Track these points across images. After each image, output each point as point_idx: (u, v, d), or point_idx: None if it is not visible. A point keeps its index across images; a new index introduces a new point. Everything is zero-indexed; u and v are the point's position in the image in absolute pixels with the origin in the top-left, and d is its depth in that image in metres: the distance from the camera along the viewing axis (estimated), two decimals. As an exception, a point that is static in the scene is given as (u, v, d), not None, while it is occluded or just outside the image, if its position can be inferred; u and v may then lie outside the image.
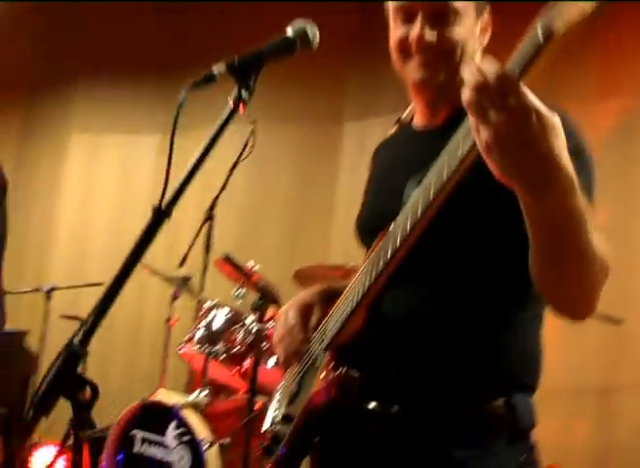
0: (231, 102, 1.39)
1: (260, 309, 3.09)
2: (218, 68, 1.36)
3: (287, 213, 5.21)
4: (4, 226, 3.03)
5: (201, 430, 3.13)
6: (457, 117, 1.31)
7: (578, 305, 1.24)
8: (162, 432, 3.24)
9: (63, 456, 4.28)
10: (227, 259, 3.17)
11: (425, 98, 1.58)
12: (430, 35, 1.47)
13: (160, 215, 1.36)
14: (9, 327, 5.07)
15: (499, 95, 0.94)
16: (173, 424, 3.21)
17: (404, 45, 1.51)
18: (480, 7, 1.54)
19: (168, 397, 3.38)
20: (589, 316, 1.24)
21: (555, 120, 0.99)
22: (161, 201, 1.34)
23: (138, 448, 3.31)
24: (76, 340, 1.32)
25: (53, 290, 4.85)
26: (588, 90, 4.17)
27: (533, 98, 0.97)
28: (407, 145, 1.64)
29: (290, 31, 1.41)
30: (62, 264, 6.00)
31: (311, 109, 5.19)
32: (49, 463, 4.10)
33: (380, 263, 1.33)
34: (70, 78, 6.16)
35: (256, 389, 3.16)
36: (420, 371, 1.39)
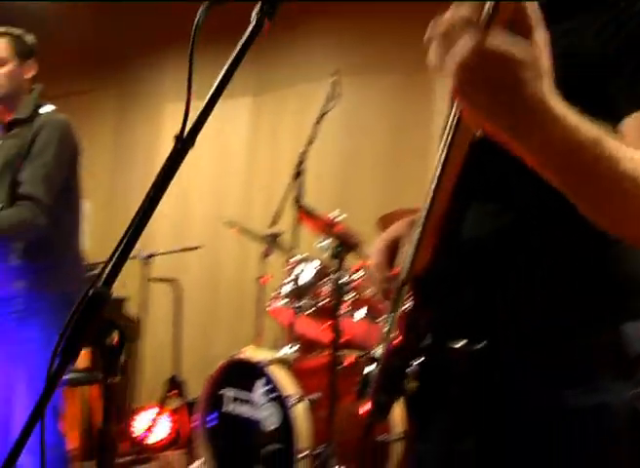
0: (254, 18, 1.27)
1: (338, 257, 2.97)
2: None
3: (381, 163, 5.06)
4: (78, 192, 3.01)
5: (289, 386, 3.06)
6: None
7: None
8: (250, 389, 3.19)
9: (164, 418, 4.34)
10: (301, 208, 3.07)
11: None
12: None
13: (182, 144, 1.25)
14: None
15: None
16: (260, 381, 3.16)
17: None
18: None
19: (256, 354, 3.32)
20: None
21: (527, 55, 0.84)
22: (182, 130, 1.23)
23: (227, 406, 3.28)
24: (100, 282, 1.21)
25: (151, 256, 4.88)
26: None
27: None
28: None
29: None
30: (165, 230, 6.07)
31: (402, 59, 5.01)
32: (149, 426, 4.16)
33: (434, 184, 1.18)
34: (162, 48, 6.18)
35: (344, 344, 3.07)
36: (512, 302, 1.20)
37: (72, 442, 4.29)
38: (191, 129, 1.27)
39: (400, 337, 1.26)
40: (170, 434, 4.32)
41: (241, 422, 3.22)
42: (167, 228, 5.98)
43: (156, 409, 4.34)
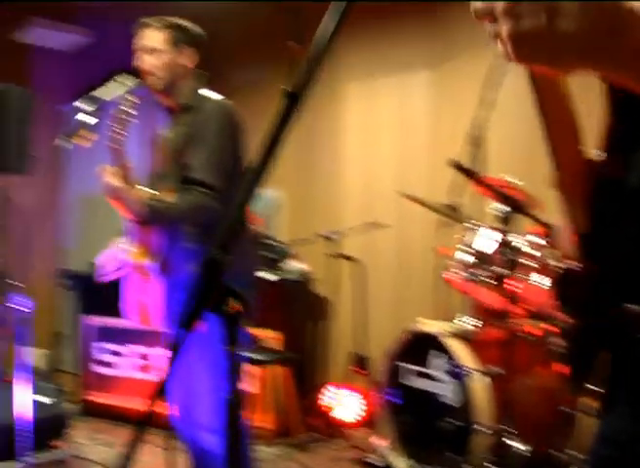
0: None
1: (505, 221, 2.82)
2: None
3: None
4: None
5: (467, 360, 2.94)
6: None
7: None
8: (429, 362, 3.11)
9: (352, 395, 4.35)
10: (473, 174, 2.93)
11: None
12: None
13: (293, 98, 1.25)
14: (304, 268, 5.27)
15: None
16: (439, 354, 3.06)
17: None
18: None
19: (433, 326, 3.22)
20: None
21: None
22: (297, 87, 1.23)
23: (406, 380, 3.21)
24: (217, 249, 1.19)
25: (335, 234, 4.90)
26: None
27: None
28: None
29: None
30: (353, 206, 6.10)
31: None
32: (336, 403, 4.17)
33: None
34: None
35: (525, 314, 2.92)
36: None
37: (267, 422, 4.42)
38: (300, 84, 1.23)
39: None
40: (359, 411, 4.31)
41: (421, 396, 3.14)
42: (355, 207, 6.00)
43: (344, 387, 4.35)
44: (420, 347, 3.19)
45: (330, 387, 4.55)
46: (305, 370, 4.80)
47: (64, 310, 6.14)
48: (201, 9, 5.20)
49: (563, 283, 1.17)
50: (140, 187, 2.74)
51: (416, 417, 3.20)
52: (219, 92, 3.03)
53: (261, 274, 4.64)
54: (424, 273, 5.12)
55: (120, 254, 2.88)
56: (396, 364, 3.28)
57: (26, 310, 2.85)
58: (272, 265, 5.18)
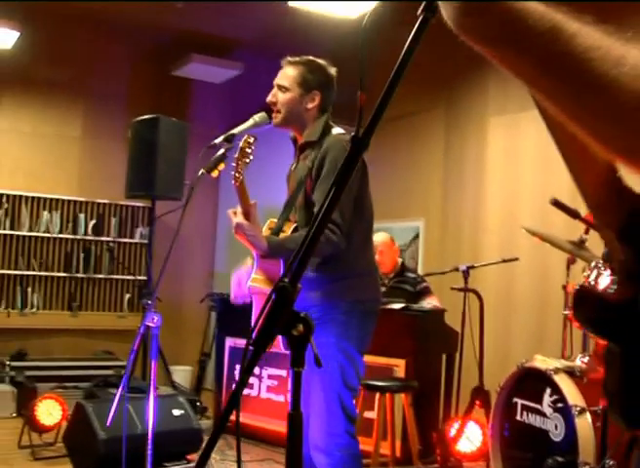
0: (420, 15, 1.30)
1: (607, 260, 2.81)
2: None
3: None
4: (368, 207, 3.15)
5: (574, 396, 2.96)
6: None
7: None
8: (540, 398, 3.14)
9: (473, 428, 4.39)
10: (556, 204, 2.95)
11: None
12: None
13: (358, 144, 1.32)
14: (438, 304, 5.37)
15: None
16: (548, 390, 3.09)
17: None
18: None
19: (545, 362, 3.25)
20: None
21: None
22: (357, 131, 1.31)
23: (518, 415, 3.26)
24: (286, 279, 1.35)
25: (470, 268, 4.97)
26: None
27: None
28: None
29: None
30: (494, 240, 6.17)
31: None
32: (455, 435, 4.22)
33: None
34: (483, 65, 6.30)
35: None
36: None
37: (386, 448, 4.53)
38: (365, 130, 1.33)
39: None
40: (478, 445, 4.35)
41: (531, 432, 3.18)
42: (497, 240, 6.08)
43: (466, 420, 4.41)
44: (532, 382, 3.23)
45: (453, 419, 4.61)
46: (431, 400, 4.89)
47: (211, 331, 6.51)
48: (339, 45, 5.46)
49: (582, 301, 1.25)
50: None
51: (525, 452, 3.24)
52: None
53: (390, 304, 4.81)
54: (546, 310, 5.13)
55: (245, 279, 3.11)
56: (509, 398, 3.33)
57: (156, 326, 3.11)
58: (406, 296, 5.31)
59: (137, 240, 7.83)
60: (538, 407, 3.16)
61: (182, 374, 7.37)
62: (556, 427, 3.04)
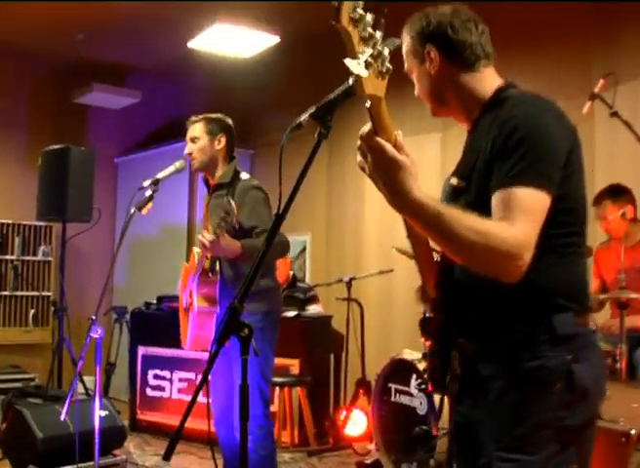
0: (316, 137, 2.09)
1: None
2: (304, 118, 1.97)
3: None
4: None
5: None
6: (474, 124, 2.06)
7: (485, 272, 1.78)
8: (408, 383, 4.14)
9: (358, 414, 5.37)
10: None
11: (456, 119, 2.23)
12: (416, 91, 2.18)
13: (279, 219, 2.06)
14: (322, 311, 6.34)
15: (366, 146, 1.74)
16: (414, 376, 4.08)
17: None
18: (418, 55, 2.10)
19: (411, 354, 4.25)
20: (508, 279, 1.75)
21: (403, 161, 1.70)
22: (278, 210, 2.06)
23: (393, 397, 4.25)
24: (237, 300, 2.15)
25: (352, 279, 5.95)
26: None
27: (388, 151, 1.69)
28: None
29: (350, 81, 1.87)
30: (373, 253, 7.10)
31: (561, 88, 5.71)
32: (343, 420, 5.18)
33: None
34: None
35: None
36: (489, 311, 1.94)
37: (287, 434, 5.48)
38: (284, 207, 2.14)
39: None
40: (363, 427, 5.34)
41: (403, 409, 4.18)
42: (376, 254, 7.02)
43: (352, 407, 5.40)
44: (403, 371, 4.22)
45: (342, 407, 5.61)
46: (323, 392, 5.90)
47: (115, 342, 7.18)
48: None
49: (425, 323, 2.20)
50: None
51: (399, 426, 4.23)
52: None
53: (285, 312, 5.75)
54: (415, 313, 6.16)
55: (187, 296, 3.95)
56: (385, 385, 4.32)
57: (99, 337, 3.88)
58: (298, 303, 6.28)
59: (40, 258, 8.40)
60: (407, 389, 4.15)
61: (88, 384, 8.00)
62: (421, 404, 4.04)
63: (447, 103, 2.13)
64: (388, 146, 1.70)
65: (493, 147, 1.86)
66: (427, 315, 2.23)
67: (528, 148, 1.79)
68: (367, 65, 1.62)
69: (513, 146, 1.80)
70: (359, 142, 1.76)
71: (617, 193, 4.61)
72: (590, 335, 1.97)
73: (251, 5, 6.62)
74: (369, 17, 1.58)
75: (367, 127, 1.73)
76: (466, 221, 1.71)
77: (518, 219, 1.73)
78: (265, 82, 8.41)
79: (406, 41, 2.12)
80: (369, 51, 1.60)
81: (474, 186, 1.91)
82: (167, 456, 2.02)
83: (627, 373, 4.02)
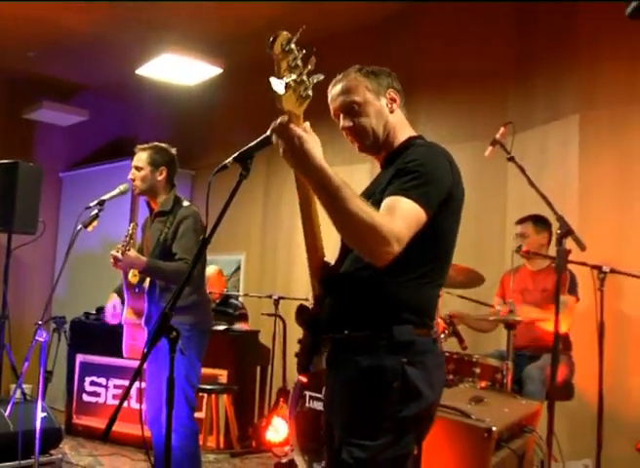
0: (238, 177, 2.46)
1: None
2: (229, 161, 2.30)
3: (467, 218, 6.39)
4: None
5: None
6: (386, 162, 2.45)
7: (359, 249, 2.14)
8: (320, 389, 4.71)
9: (278, 420, 5.94)
10: None
11: (374, 158, 2.63)
12: (347, 123, 2.45)
13: (205, 242, 2.45)
14: (251, 326, 6.93)
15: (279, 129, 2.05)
16: (326, 384, 4.67)
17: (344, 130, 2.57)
18: (376, 92, 2.44)
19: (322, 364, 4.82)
20: (377, 262, 2.08)
21: (310, 138, 2.04)
22: (205, 234, 2.42)
23: (307, 403, 4.82)
24: (167, 307, 2.61)
25: (280, 299, 6.55)
26: None
27: (296, 130, 2.01)
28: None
29: (268, 132, 2.24)
30: (304, 275, 7.61)
31: (479, 130, 6.39)
32: (265, 426, 5.74)
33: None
34: (305, 116, 7.82)
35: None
36: (351, 310, 2.32)
37: (213, 439, 6.04)
38: (210, 232, 2.67)
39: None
40: (283, 432, 5.91)
41: (316, 414, 4.74)
42: (306, 277, 7.56)
43: (273, 414, 5.98)
44: (316, 379, 4.77)
45: (265, 416, 6.20)
46: (248, 401, 6.50)
47: (53, 351, 7.58)
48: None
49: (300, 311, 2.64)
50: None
51: (312, 429, 4.79)
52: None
53: (217, 326, 6.30)
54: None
55: (119, 306, 4.45)
56: (301, 392, 4.89)
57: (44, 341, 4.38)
58: (228, 319, 6.86)
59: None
60: (319, 395, 4.71)
61: (25, 390, 8.40)
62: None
63: (379, 139, 2.46)
64: (297, 128, 2.06)
65: (394, 174, 2.28)
66: (306, 305, 2.60)
67: (419, 174, 2.20)
68: (287, 86, 1.98)
69: (409, 170, 2.22)
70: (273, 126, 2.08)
71: (539, 219, 5.26)
72: (429, 344, 2.32)
73: (196, 38, 7.23)
74: (299, 52, 1.97)
75: (280, 118, 2.06)
76: (359, 202, 2.04)
77: (397, 218, 2.08)
78: (208, 108, 9.02)
79: (361, 78, 2.45)
80: (293, 76, 1.97)
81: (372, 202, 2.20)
82: (105, 437, 2.33)
83: (513, 387, 4.65)
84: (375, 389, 2.21)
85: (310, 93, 2.02)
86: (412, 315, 2.28)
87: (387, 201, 2.17)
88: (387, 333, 2.23)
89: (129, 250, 4.18)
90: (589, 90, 5.77)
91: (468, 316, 5.36)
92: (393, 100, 2.48)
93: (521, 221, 5.34)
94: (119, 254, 4.16)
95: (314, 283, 2.54)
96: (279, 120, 2.05)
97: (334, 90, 2.48)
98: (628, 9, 1.97)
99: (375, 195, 2.30)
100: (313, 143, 2.07)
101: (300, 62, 1.99)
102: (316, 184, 2.08)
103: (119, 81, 8.76)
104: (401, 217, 2.10)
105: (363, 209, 2.03)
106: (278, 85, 1.99)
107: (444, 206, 2.25)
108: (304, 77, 2.00)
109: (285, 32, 1.97)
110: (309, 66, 2.01)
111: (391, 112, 2.47)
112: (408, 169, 2.23)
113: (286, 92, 1.99)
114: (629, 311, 5.31)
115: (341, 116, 2.47)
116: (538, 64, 6.24)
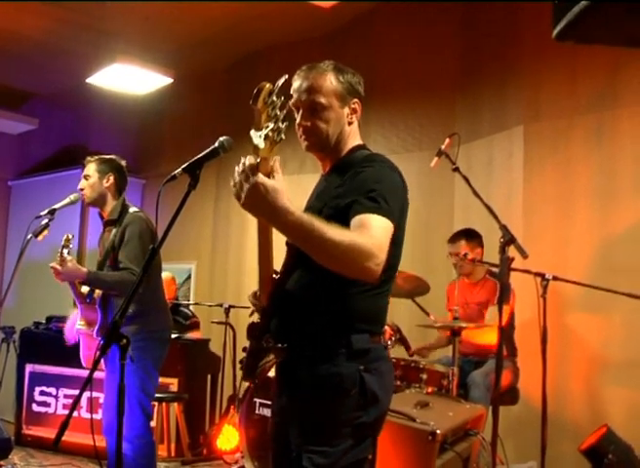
0: (187, 187, 2.49)
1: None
2: (178, 171, 2.40)
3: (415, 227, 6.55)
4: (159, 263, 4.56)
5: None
6: (333, 169, 2.50)
7: (351, 272, 2.13)
8: (268, 396, 4.81)
9: (229, 427, 6.02)
10: None
11: (317, 157, 2.67)
12: (305, 122, 2.46)
13: (154, 252, 2.57)
14: (202, 334, 7.00)
15: (245, 177, 2.04)
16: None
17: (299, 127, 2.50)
18: (342, 99, 2.48)
19: (273, 372, 4.92)
20: (371, 277, 2.10)
21: (275, 185, 2.01)
22: (154, 244, 2.55)
23: (257, 410, 4.91)
24: (117, 315, 2.67)
25: (230, 307, 6.63)
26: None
27: (262, 178, 1.99)
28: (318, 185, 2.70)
29: (217, 144, 2.38)
30: (253, 284, 7.72)
31: (428, 140, 6.55)
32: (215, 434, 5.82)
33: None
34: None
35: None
36: (299, 322, 2.39)
37: (164, 447, 6.10)
38: (160, 241, 2.75)
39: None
40: (234, 440, 5.99)
41: (265, 420, 4.83)
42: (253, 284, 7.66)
43: (224, 422, 6.06)
44: (266, 386, 4.87)
45: (216, 424, 6.28)
46: (199, 409, 6.58)
47: (2, 361, 7.56)
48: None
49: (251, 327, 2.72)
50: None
51: (261, 435, 4.88)
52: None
53: (169, 334, 6.33)
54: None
55: (74, 324, 4.49)
56: (251, 399, 4.98)
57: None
58: (179, 327, 6.91)
59: None
60: (269, 402, 4.81)
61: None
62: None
63: (329, 145, 2.50)
64: (265, 178, 2.04)
65: (349, 190, 2.33)
66: (255, 321, 2.64)
67: (377, 193, 2.26)
68: (266, 137, 2.03)
69: (369, 189, 2.27)
70: (236, 175, 2.08)
71: (471, 235, 5.40)
72: (382, 351, 2.41)
73: (147, 47, 7.30)
74: (278, 101, 2.03)
75: (249, 159, 2.07)
76: (333, 231, 2.04)
77: (373, 231, 2.14)
78: (159, 117, 9.10)
79: (333, 82, 2.49)
80: (271, 126, 2.01)
81: (324, 215, 2.27)
82: (55, 444, 2.41)
83: (459, 392, 4.80)
84: (334, 396, 2.27)
85: (283, 136, 2.05)
86: (368, 324, 2.37)
87: (356, 220, 2.20)
88: (346, 342, 2.30)
89: (68, 261, 4.20)
90: (533, 102, 5.95)
91: (431, 345, 5.61)
92: (354, 112, 2.53)
93: (453, 240, 5.44)
94: (59, 266, 4.19)
95: (262, 296, 2.61)
96: (248, 162, 2.06)
97: (303, 82, 2.49)
98: (555, 31, 2.06)
99: (327, 208, 2.39)
100: (279, 189, 2.04)
101: (278, 111, 2.03)
102: (286, 231, 2.08)
103: (70, 89, 8.76)
104: (376, 228, 2.16)
105: (341, 235, 2.05)
106: (258, 138, 2.04)
107: (400, 218, 2.34)
108: (280, 123, 2.04)
109: (268, 85, 2.03)
110: (284, 110, 2.06)
111: (349, 123, 2.52)
112: (367, 187, 2.27)
113: (265, 144, 2.04)
114: (571, 318, 5.49)
115: (301, 111, 2.48)
116: (483, 77, 6.43)
